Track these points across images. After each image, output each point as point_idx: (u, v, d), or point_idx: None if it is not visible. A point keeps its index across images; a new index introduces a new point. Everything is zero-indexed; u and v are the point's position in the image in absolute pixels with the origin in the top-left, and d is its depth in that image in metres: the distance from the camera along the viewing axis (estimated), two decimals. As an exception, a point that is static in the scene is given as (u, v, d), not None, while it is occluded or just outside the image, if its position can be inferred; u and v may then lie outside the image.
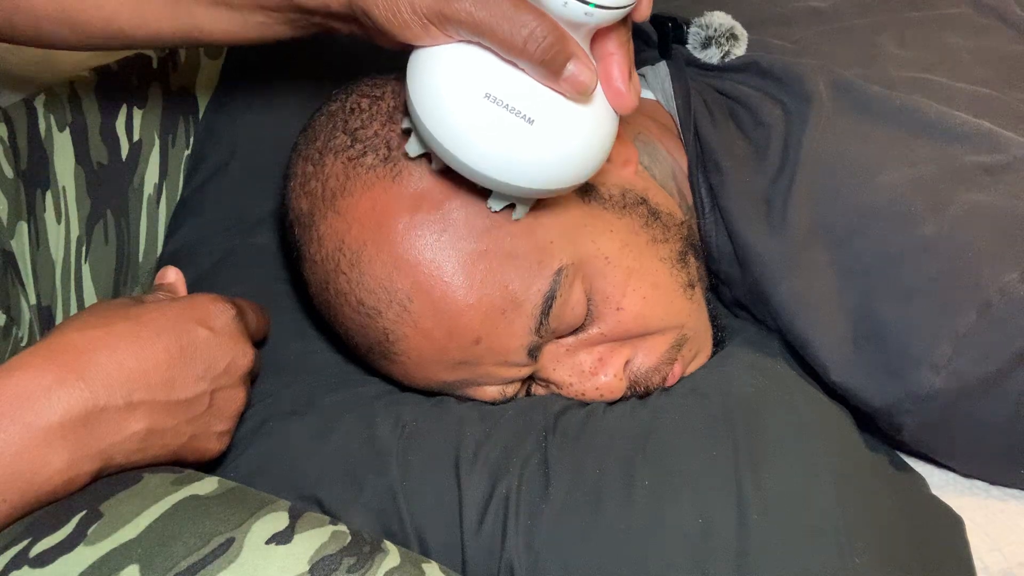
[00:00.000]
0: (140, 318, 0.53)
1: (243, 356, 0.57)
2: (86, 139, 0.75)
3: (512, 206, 0.57)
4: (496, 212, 0.57)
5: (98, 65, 0.78)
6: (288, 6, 0.57)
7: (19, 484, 0.47)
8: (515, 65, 0.51)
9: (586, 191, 0.62)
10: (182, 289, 0.64)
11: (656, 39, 0.76)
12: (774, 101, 0.69)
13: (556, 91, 0.52)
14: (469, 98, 0.51)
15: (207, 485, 0.50)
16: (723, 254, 0.68)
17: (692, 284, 0.66)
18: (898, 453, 0.66)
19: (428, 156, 0.57)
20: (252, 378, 0.62)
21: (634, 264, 0.62)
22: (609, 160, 0.65)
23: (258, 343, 0.66)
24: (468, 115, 0.51)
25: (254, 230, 0.77)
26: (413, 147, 0.57)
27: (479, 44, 0.52)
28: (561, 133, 0.52)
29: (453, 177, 0.57)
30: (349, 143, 0.60)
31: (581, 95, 0.52)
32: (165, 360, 0.53)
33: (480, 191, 0.57)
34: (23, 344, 0.68)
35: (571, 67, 0.51)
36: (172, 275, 0.64)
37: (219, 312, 0.57)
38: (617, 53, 0.53)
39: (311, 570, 0.46)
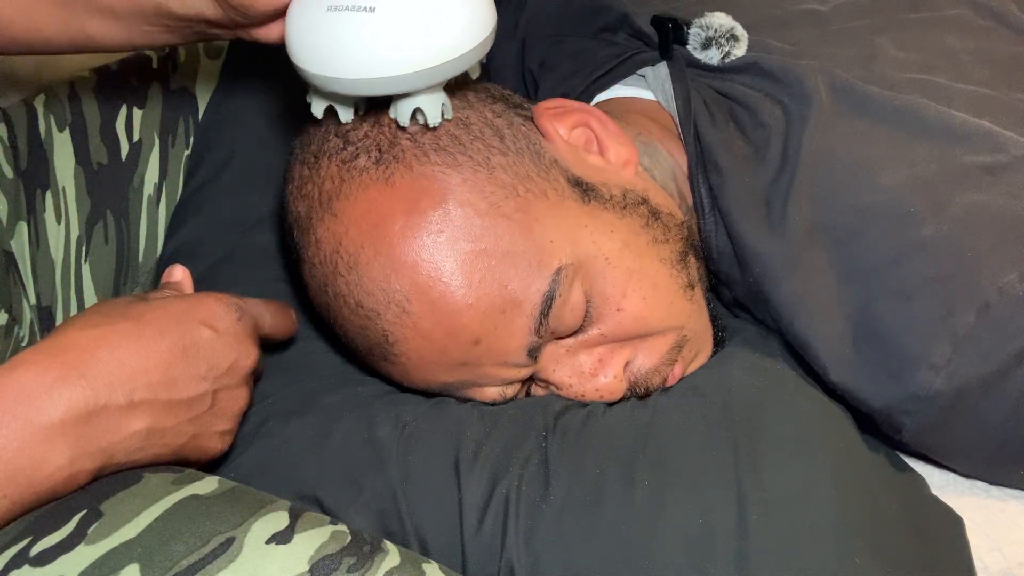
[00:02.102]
0: (143, 317, 0.53)
1: (246, 357, 0.57)
2: (86, 139, 0.75)
3: (425, 123, 0.58)
4: (408, 128, 0.59)
5: (98, 65, 0.78)
6: (165, 14, 0.58)
7: (20, 481, 0.47)
8: None
9: (586, 191, 0.62)
10: (189, 287, 0.64)
11: (656, 40, 0.76)
12: (774, 102, 0.69)
13: None
14: (316, 17, 0.54)
15: (207, 485, 0.50)
16: (723, 255, 0.68)
17: (692, 285, 0.65)
18: (898, 453, 0.66)
19: (333, 110, 0.59)
20: (256, 379, 0.62)
21: (634, 265, 0.62)
22: (609, 161, 0.65)
23: (284, 342, 0.66)
24: (321, 31, 0.54)
25: (254, 230, 0.77)
26: (316, 108, 0.59)
27: None
28: (403, 14, 0.54)
29: (379, 130, 0.59)
30: (342, 145, 0.60)
31: None
32: (167, 359, 0.52)
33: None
34: (24, 344, 0.68)
35: None
36: (179, 273, 0.64)
37: (223, 312, 0.57)
38: None
39: (311, 570, 0.46)
